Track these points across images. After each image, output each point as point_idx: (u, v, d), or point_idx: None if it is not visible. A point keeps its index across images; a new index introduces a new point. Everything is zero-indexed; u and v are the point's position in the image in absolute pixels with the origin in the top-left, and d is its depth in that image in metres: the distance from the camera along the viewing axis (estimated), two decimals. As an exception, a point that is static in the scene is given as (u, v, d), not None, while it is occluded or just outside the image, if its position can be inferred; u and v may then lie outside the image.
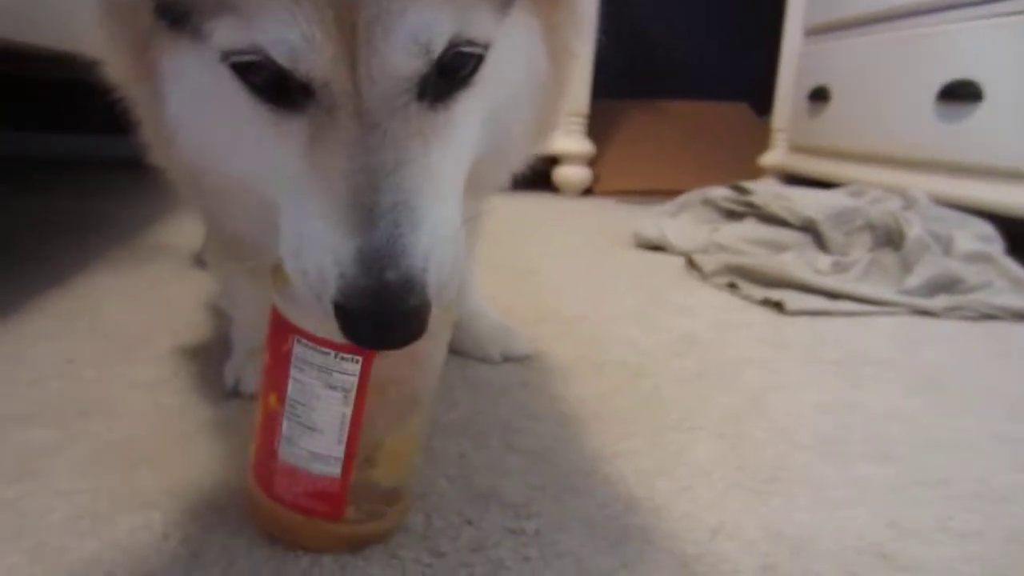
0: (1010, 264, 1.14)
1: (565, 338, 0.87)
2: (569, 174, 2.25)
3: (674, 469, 0.57)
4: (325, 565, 0.42)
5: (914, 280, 1.10)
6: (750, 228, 1.34)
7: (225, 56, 0.34)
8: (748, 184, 1.43)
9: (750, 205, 1.40)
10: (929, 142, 1.52)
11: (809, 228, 1.29)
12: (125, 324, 0.84)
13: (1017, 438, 0.66)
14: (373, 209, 0.32)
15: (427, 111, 0.35)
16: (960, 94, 1.42)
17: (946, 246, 1.17)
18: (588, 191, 2.29)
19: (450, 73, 0.36)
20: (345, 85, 0.33)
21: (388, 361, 0.37)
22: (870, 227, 1.25)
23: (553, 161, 2.28)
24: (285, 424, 0.39)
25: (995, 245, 1.20)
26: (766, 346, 0.91)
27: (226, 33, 0.33)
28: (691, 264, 1.27)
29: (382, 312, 0.32)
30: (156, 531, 0.44)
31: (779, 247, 1.27)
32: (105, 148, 2.42)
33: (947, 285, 1.09)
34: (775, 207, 1.34)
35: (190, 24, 0.35)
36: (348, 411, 0.37)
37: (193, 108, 0.38)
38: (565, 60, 0.45)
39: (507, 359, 0.78)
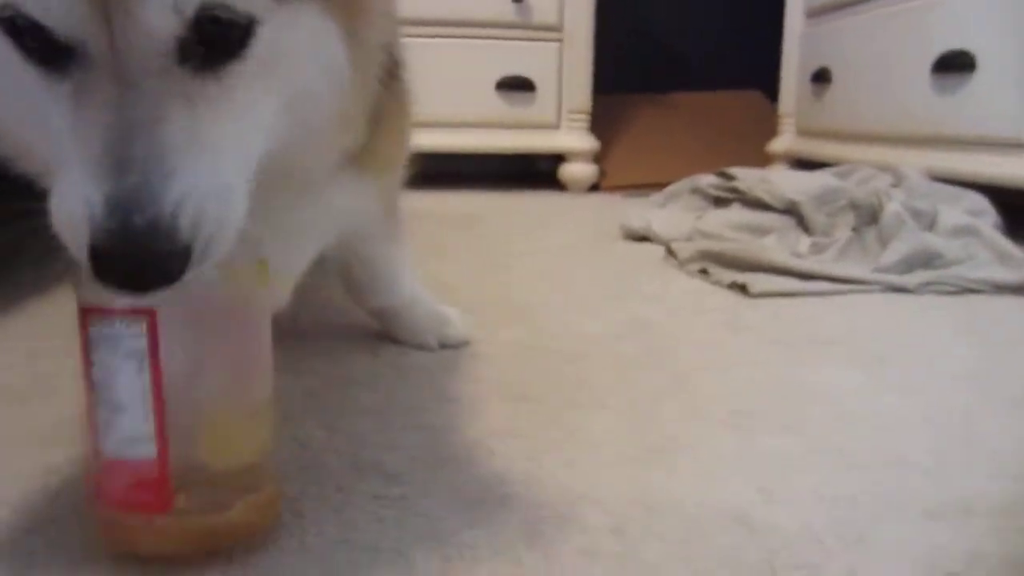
0: (996, 237, 1.10)
1: (515, 326, 0.88)
2: (575, 171, 2.25)
3: (564, 444, 0.57)
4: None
5: (889, 257, 1.07)
6: (734, 214, 1.33)
7: None
8: (733, 170, 1.42)
9: (735, 191, 1.38)
10: (927, 117, 1.47)
11: (792, 210, 1.27)
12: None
13: (938, 411, 0.64)
14: (124, 159, 0.34)
15: (191, 76, 0.37)
16: (954, 65, 1.37)
17: (930, 222, 1.14)
18: (595, 187, 2.29)
19: (213, 41, 0.37)
20: (101, 45, 0.34)
21: (179, 323, 0.38)
22: (853, 207, 1.22)
23: (559, 159, 2.28)
24: (97, 414, 0.39)
25: (984, 218, 1.16)
26: (722, 329, 0.90)
27: None
28: (669, 252, 1.26)
29: (127, 254, 0.34)
30: (50, 495, 0.48)
31: (762, 231, 1.25)
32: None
33: (925, 260, 1.06)
34: (758, 191, 1.32)
35: None
36: (147, 379, 0.38)
37: None
38: (369, 66, 0.47)
39: (444, 346, 0.80)
